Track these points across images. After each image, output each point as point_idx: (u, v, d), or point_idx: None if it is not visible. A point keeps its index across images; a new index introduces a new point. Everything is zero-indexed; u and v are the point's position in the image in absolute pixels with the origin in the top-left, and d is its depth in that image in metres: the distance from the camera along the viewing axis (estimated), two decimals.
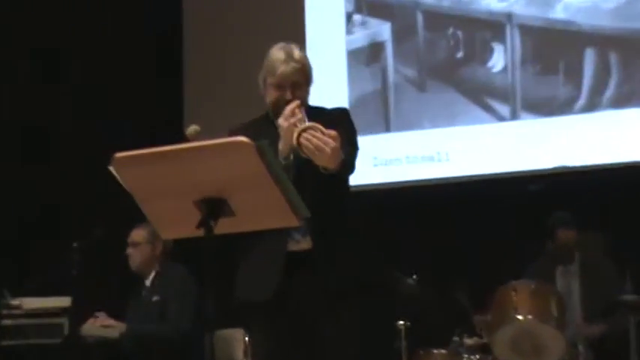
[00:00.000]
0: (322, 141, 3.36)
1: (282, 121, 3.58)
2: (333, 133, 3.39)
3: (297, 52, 3.78)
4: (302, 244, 3.66)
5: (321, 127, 3.40)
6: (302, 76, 3.76)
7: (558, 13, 6.66)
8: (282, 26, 7.46)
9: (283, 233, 3.62)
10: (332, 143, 3.36)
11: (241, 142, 2.89)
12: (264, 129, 3.70)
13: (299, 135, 3.40)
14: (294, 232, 3.63)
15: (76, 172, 7.56)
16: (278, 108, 3.69)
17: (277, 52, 3.78)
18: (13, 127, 7.57)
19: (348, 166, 3.59)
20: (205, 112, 7.33)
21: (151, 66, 7.96)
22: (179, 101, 7.81)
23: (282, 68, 3.74)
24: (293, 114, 3.57)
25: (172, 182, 2.99)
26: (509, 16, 6.80)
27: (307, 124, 3.45)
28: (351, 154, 3.64)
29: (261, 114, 3.89)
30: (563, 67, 6.67)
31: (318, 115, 3.65)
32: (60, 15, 7.77)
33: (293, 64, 3.74)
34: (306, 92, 3.78)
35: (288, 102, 3.67)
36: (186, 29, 7.96)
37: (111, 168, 3.03)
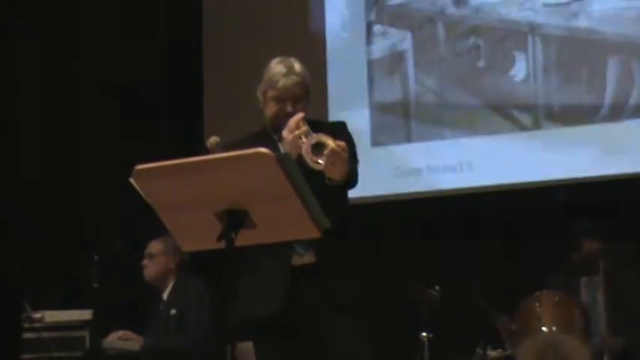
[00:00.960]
0: (337, 154, 3.38)
1: (286, 134, 3.58)
2: (343, 144, 3.42)
3: (297, 66, 3.81)
4: (305, 257, 3.66)
5: (329, 140, 3.40)
6: (302, 90, 3.78)
7: (581, 21, 6.61)
8: (303, 37, 7.46)
9: (287, 247, 3.62)
10: (343, 155, 3.38)
11: (262, 154, 2.88)
12: (262, 143, 3.67)
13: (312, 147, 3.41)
14: (297, 246, 3.64)
15: (98, 186, 7.57)
16: (278, 121, 3.73)
17: (277, 66, 3.81)
18: None
19: (353, 177, 3.61)
20: (226, 123, 7.32)
21: (170, 78, 7.97)
22: (200, 113, 7.81)
23: (283, 81, 3.76)
24: (297, 126, 3.57)
25: (193, 194, 2.97)
26: (531, 25, 6.75)
27: (317, 135, 3.45)
28: (354, 166, 3.65)
29: (256, 129, 3.89)
30: (585, 76, 6.62)
31: (318, 127, 3.64)
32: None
33: (294, 77, 3.76)
34: (306, 106, 3.79)
35: (288, 115, 3.69)
36: (206, 40, 7.96)
37: (132, 180, 3.02)
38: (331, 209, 3.42)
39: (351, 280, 3.65)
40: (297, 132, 3.54)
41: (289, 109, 3.73)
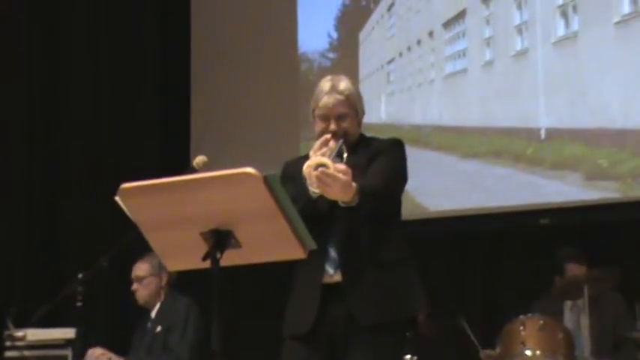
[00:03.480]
0: (331, 176, 3.36)
1: (311, 153, 3.61)
2: (341, 167, 3.41)
3: (343, 84, 3.79)
4: (334, 276, 3.65)
5: (327, 161, 3.40)
6: (346, 108, 3.77)
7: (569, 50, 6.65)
8: (291, 57, 7.48)
9: (319, 266, 3.64)
10: (340, 178, 3.37)
11: (248, 174, 2.87)
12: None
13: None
14: (327, 264, 3.65)
15: (82, 203, 7.55)
16: None
17: (324, 84, 3.81)
18: None
19: (369, 197, 3.54)
20: (213, 142, 7.33)
21: (158, 96, 7.97)
22: (186, 132, 7.80)
23: (325, 99, 3.77)
24: (320, 147, 3.60)
25: (179, 213, 2.97)
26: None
27: (313, 159, 3.45)
28: (380, 184, 3.61)
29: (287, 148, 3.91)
30: (571, 100, 6.64)
31: (365, 145, 3.75)
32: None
33: (336, 96, 3.76)
34: (353, 124, 3.78)
35: (331, 133, 3.71)
36: (194, 54, 7.97)
37: (117, 198, 3.01)
38: (353, 230, 3.58)
39: (378, 301, 3.61)
40: (319, 152, 3.57)
41: (333, 127, 3.73)
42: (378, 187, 3.61)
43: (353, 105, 3.79)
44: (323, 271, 3.66)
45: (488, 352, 5.63)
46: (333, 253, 3.63)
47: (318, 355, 3.66)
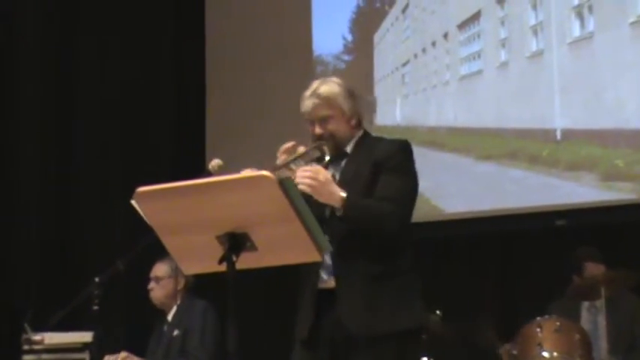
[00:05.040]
0: (307, 177, 3.42)
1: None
2: (315, 168, 3.48)
3: (324, 87, 3.77)
4: (328, 282, 3.64)
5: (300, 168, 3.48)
6: (327, 110, 3.74)
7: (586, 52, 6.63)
8: (306, 59, 7.48)
9: (315, 271, 3.63)
10: (307, 180, 3.41)
11: (264, 177, 2.87)
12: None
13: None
14: (322, 271, 3.64)
15: (98, 207, 7.57)
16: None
17: (308, 88, 3.81)
18: None
19: (356, 211, 3.52)
20: (228, 145, 7.34)
21: (173, 99, 7.98)
22: (202, 135, 7.82)
23: (304, 104, 3.77)
24: (280, 155, 3.64)
25: (194, 217, 2.97)
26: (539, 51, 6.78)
27: (281, 161, 3.55)
28: (383, 208, 3.56)
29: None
30: (587, 101, 6.63)
31: (369, 147, 3.72)
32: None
33: (313, 100, 3.75)
34: (339, 124, 3.75)
35: (317, 137, 3.71)
36: (209, 58, 7.98)
37: (133, 202, 3.02)
38: (347, 238, 3.54)
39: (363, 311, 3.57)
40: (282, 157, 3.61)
41: (317, 130, 3.73)
42: (377, 209, 3.57)
43: (335, 106, 3.74)
44: (319, 276, 3.64)
45: (508, 346, 5.61)
46: (327, 259, 3.59)
47: (318, 358, 3.64)
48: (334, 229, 3.53)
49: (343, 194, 3.50)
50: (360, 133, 3.81)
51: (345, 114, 3.76)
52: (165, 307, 5.84)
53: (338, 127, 3.74)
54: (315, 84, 3.80)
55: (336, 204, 3.50)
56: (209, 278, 3.21)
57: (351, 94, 3.80)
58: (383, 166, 3.64)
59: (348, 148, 3.77)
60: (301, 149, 3.66)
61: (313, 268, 3.60)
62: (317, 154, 3.66)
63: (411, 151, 3.75)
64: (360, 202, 3.55)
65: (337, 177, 3.70)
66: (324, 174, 3.51)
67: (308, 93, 3.77)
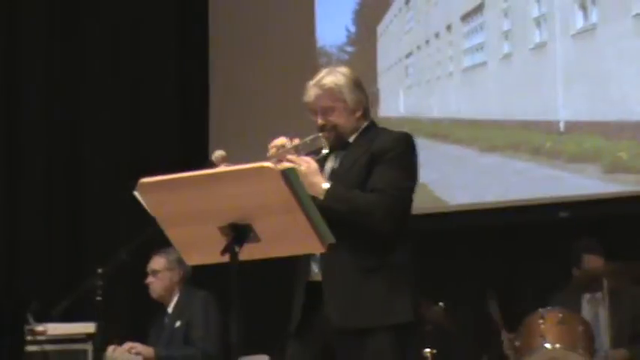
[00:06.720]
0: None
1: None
2: (300, 158, 3.51)
3: (328, 77, 3.74)
4: (318, 275, 3.63)
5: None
6: (329, 101, 3.71)
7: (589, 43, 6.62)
8: (310, 51, 7.48)
9: (306, 263, 3.63)
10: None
11: (266, 168, 2.87)
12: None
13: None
14: (313, 263, 3.63)
15: (101, 198, 7.57)
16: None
17: (315, 76, 3.78)
18: None
19: (339, 199, 3.51)
20: (231, 136, 7.34)
21: (178, 91, 7.98)
22: (205, 126, 7.82)
23: (307, 93, 3.75)
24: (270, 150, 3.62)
25: (197, 208, 2.97)
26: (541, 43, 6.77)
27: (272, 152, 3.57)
28: (369, 201, 3.55)
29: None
30: (590, 93, 6.62)
31: (371, 138, 3.68)
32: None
33: (316, 90, 3.72)
34: (342, 116, 3.71)
35: (319, 127, 3.70)
36: (213, 49, 7.98)
37: (136, 193, 3.02)
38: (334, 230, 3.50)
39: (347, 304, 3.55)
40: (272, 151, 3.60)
41: (319, 121, 3.71)
42: (362, 200, 3.55)
43: (338, 97, 3.70)
44: (309, 268, 3.63)
45: (511, 336, 5.62)
46: None
47: (309, 350, 3.63)
48: None
49: (326, 186, 3.50)
50: (364, 124, 3.78)
51: (348, 106, 3.72)
52: (164, 299, 5.86)
53: (340, 118, 3.71)
54: (321, 74, 3.78)
55: (319, 195, 3.49)
56: (209, 269, 3.21)
57: (357, 85, 3.77)
58: (380, 157, 3.61)
59: (351, 139, 3.74)
60: (296, 141, 3.64)
61: (304, 260, 3.60)
62: (317, 144, 3.66)
63: (410, 144, 3.72)
64: (345, 193, 3.53)
65: (337, 167, 3.69)
66: (308, 165, 3.51)
67: (312, 83, 3.74)
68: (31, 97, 7.53)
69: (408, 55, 7.40)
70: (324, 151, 3.68)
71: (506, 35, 6.93)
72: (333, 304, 3.55)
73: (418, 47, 7.37)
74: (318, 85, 3.73)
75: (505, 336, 5.67)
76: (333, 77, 3.73)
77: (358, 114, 3.75)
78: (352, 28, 7.66)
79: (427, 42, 7.33)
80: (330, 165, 3.73)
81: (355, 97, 3.74)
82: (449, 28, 7.21)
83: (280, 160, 3.53)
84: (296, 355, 3.67)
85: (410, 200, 3.70)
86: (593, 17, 6.51)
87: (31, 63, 7.56)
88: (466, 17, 7.12)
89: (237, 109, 7.74)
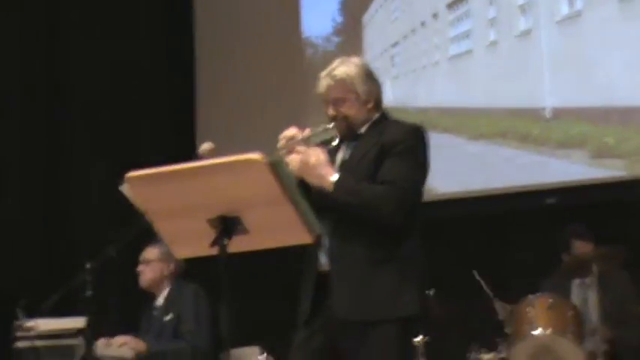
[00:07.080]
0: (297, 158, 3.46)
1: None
2: (309, 149, 3.49)
3: (341, 68, 3.70)
4: (325, 266, 3.61)
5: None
6: (340, 92, 3.68)
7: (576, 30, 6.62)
8: (295, 43, 7.47)
9: (315, 254, 3.60)
10: (295, 162, 3.46)
11: (253, 160, 2.87)
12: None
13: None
14: (321, 254, 3.60)
15: (89, 192, 7.56)
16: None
17: (328, 66, 3.75)
18: None
19: (347, 191, 3.50)
20: (219, 129, 7.33)
21: (164, 83, 7.97)
22: (192, 119, 7.81)
23: (319, 84, 3.72)
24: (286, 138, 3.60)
25: (185, 201, 2.97)
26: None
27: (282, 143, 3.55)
28: (376, 193, 3.53)
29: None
30: (578, 78, 6.63)
31: (381, 130, 3.65)
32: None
33: (327, 81, 3.69)
34: (353, 107, 3.68)
35: (330, 118, 3.67)
36: (199, 40, 7.97)
37: (122, 188, 3.02)
38: (340, 221, 3.53)
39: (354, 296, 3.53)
40: (282, 142, 3.59)
41: (330, 112, 3.68)
42: (371, 192, 3.52)
43: (350, 88, 3.67)
44: (318, 260, 3.61)
45: (502, 303, 5.62)
46: (326, 242, 3.56)
47: (317, 339, 3.60)
48: (331, 213, 3.50)
49: (335, 177, 3.49)
50: (376, 115, 3.75)
51: (360, 97, 3.69)
52: (153, 289, 5.84)
53: (352, 109, 3.67)
54: (334, 64, 3.74)
55: (328, 187, 3.49)
56: (200, 261, 3.21)
57: (369, 76, 3.74)
58: (390, 149, 3.58)
59: (362, 130, 3.71)
60: (307, 132, 3.63)
61: (313, 250, 3.57)
62: (327, 135, 3.65)
63: (421, 137, 3.69)
64: (354, 185, 3.52)
65: (347, 159, 3.67)
66: (317, 156, 3.50)
67: (324, 73, 3.71)
68: (14, 87, 7.52)
69: (395, 45, 7.40)
70: (335, 142, 3.67)
71: (492, 23, 6.94)
72: (341, 296, 3.53)
73: (404, 36, 7.37)
74: (330, 75, 3.69)
75: (500, 305, 5.66)
76: (345, 68, 3.70)
77: (370, 105, 3.72)
78: (338, 19, 7.65)
79: (413, 31, 7.33)
80: (340, 156, 3.70)
81: (367, 88, 3.71)
82: (435, 16, 7.22)
83: (290, 152, 3.52)
84: (301, 346, 3.66)
85: (420, 193, 3.71)
86: (579, 4, 6.52)
87: (14, 53, 7.54)
88: (452, 5, 7.13)
89: (225, 100, 7.74)
